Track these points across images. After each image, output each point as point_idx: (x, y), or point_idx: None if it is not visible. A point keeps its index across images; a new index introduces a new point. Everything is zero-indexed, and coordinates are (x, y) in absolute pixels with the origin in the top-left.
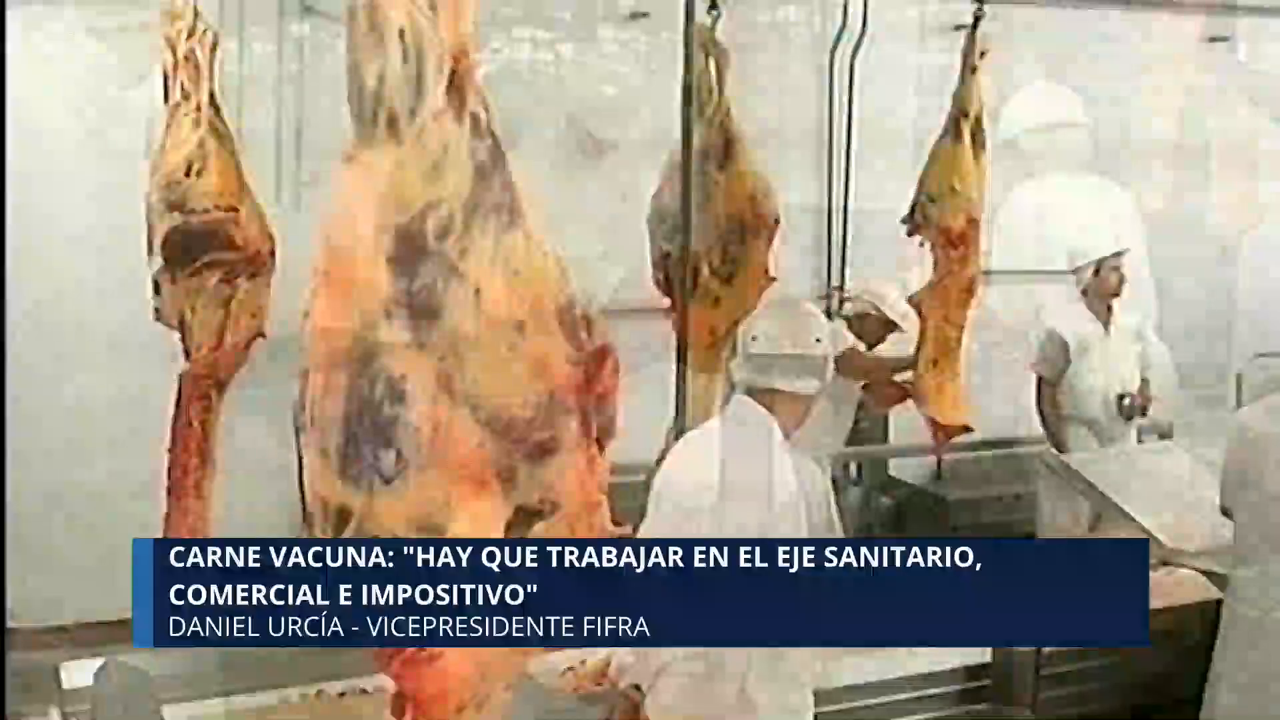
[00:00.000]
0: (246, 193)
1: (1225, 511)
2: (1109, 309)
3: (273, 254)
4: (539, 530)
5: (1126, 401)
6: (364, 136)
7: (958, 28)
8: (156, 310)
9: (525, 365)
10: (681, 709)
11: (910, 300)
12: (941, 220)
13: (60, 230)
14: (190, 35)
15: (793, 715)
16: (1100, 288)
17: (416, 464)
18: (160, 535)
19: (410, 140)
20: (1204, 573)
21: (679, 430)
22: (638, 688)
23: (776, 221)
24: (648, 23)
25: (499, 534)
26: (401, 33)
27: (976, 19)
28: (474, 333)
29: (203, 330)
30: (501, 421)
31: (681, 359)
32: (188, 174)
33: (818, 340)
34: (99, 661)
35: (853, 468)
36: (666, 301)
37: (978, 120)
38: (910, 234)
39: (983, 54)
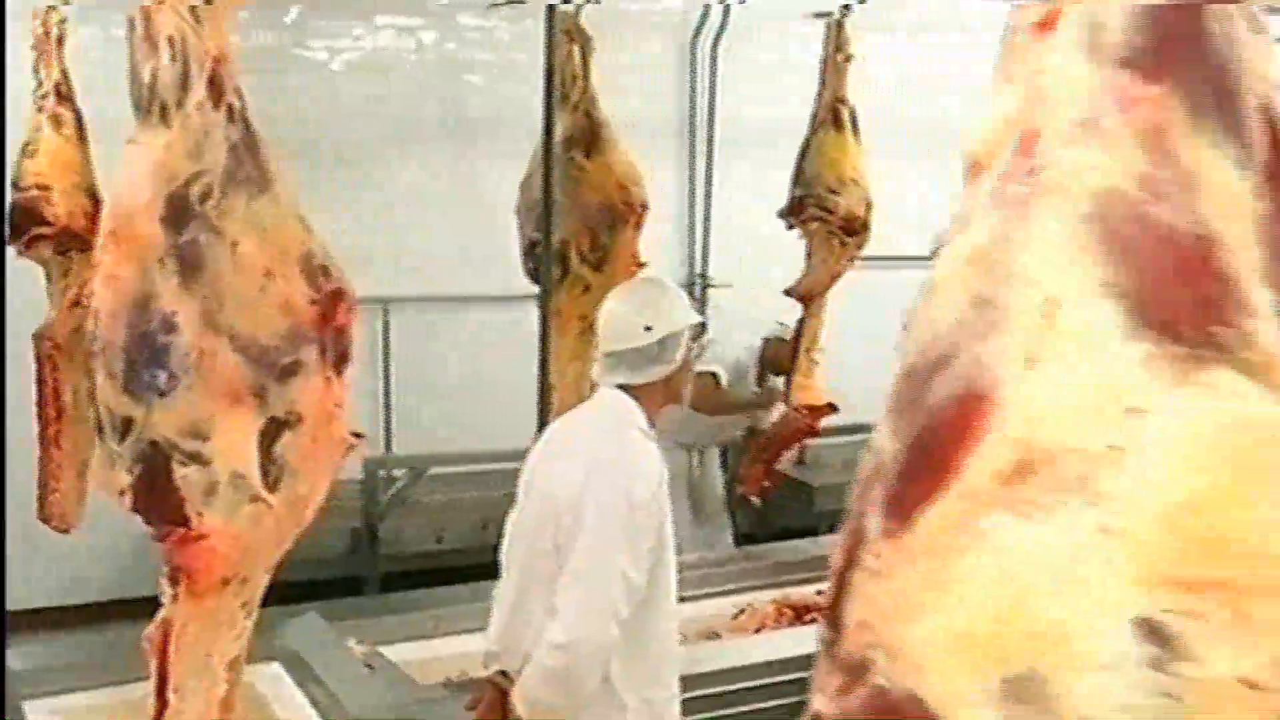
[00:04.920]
0: (71, 173)
1: None
2: None
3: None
4: (287, 438)
5: None
6: (142, 122)
7: (818, 15)
8: None
9: (272, 304)
10: (545, 698)
11: (792, 291)
12: (848, 210)
13: None
14: (45, 26)
15: (653, 706)
16: None
17: (186, 383)
18: None
19: (178, 125)
20: None
21: (544, 417)
22: (505, 675)
23: (644, 208)
24: (511, 10)
25: (254, 440)
26: (170, 40)
27: (846, 7)
28: (230, 277)
29: (51, 297)
30: (254, 348)
31: (548, 347)
32: (24, 153)
33: (647, 329)
34: None
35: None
36: (537, 289)
37: (852, 108)
38: (792, 227)
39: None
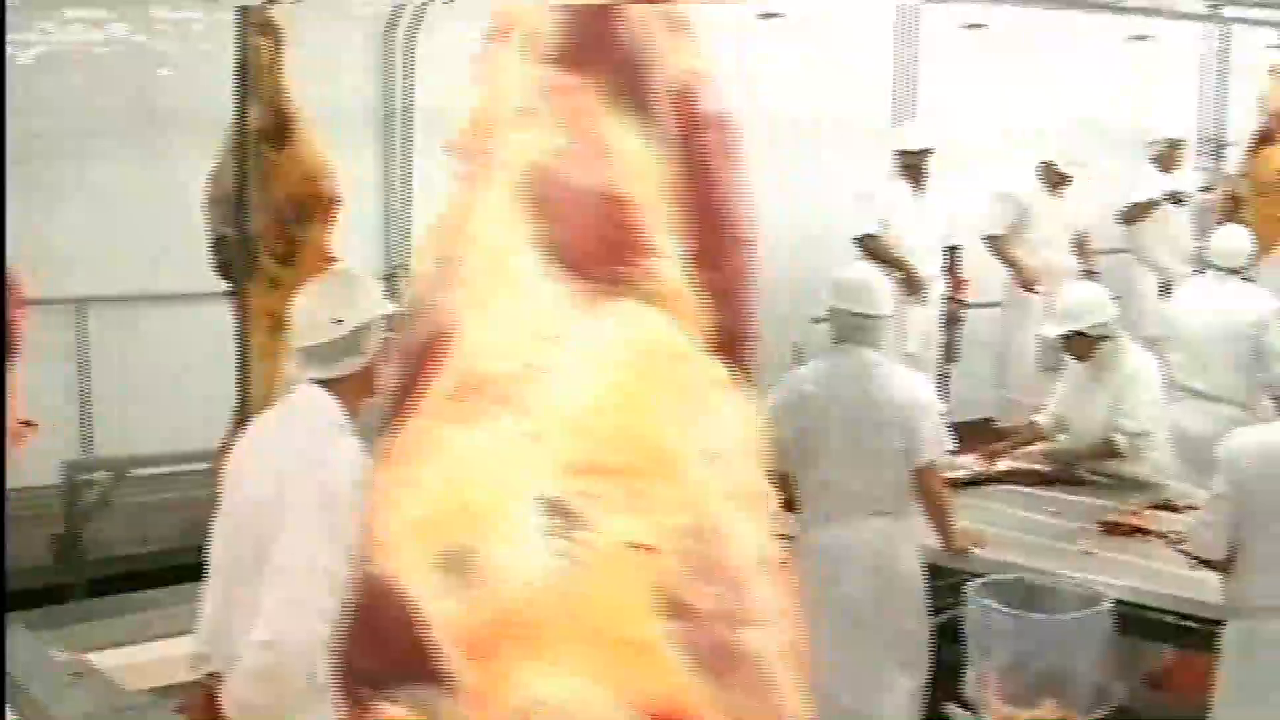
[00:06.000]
0: None
1: None
2: None
3: None
4: None
5: None
6: None
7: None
8: None
9: None
10: (253, 698)
11: None
12: None
13: None
14: None
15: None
16: None
17: None
18: None
19: None
20: None
21: (242, 415)
22: (215, 676)
23: (335, 201)
24: (205, 2)
25: None
26: None
27: None
28: None
29: None
30: None
31: (243, 344)
32: None
33: (337, 322)
34: None
35: None
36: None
37: None
38: None
39: None
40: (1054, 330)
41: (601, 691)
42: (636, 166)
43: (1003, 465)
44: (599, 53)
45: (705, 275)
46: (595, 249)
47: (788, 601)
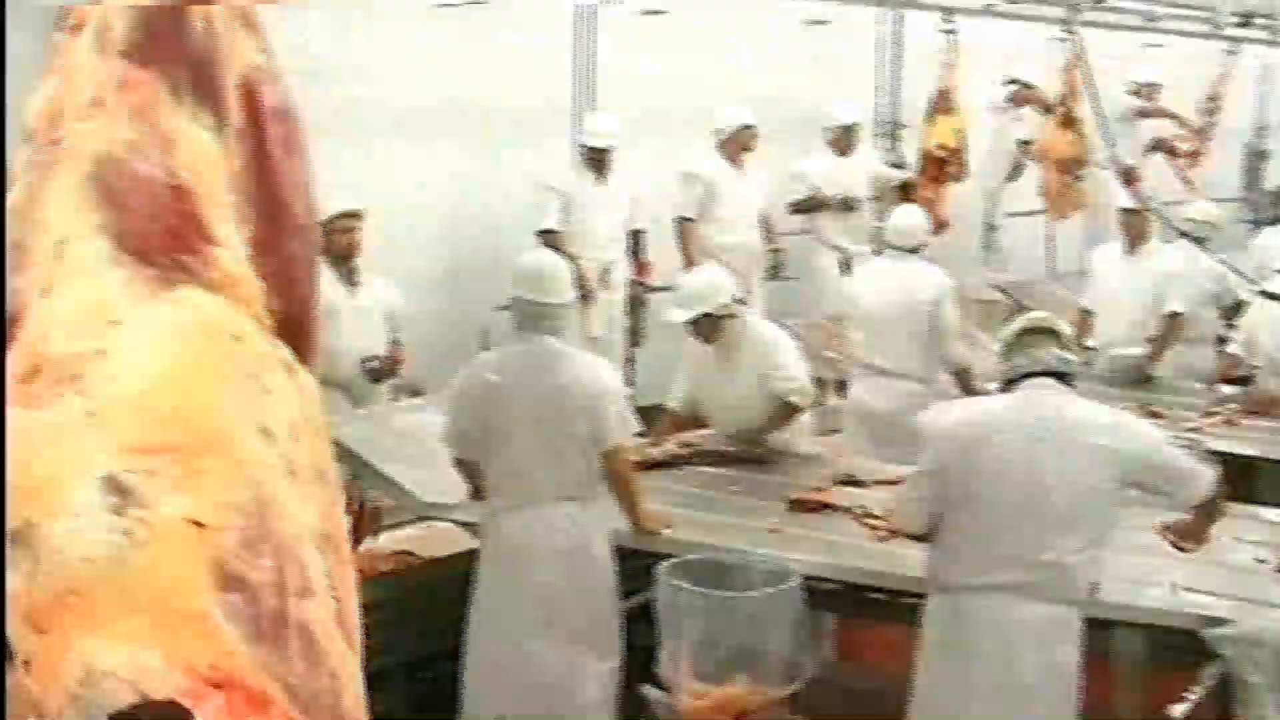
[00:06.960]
0: None
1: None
2: (352, 272)
3: None
4: None
5: (375, 364)
6: None
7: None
8: None
9: None
10: None
11: None
12: None
13: None
14: None
15: None
16: (329, 248)
17: None
18: None
19: None
20: (459, 524)
21: None
22: None
23: None
24: None
25: None
26: None
27: None
28: None
29: None
30: None
31: None
32: None
33: None
34: None
35: None
36: None
37: None
38: None
39: None
40: (680, 316)
41: (159, 660)
42: (201, 158)
43: (674, 447)
44: (168, 49)
45: (267, 262)
46: (159, 237)
47: (342, 574)
